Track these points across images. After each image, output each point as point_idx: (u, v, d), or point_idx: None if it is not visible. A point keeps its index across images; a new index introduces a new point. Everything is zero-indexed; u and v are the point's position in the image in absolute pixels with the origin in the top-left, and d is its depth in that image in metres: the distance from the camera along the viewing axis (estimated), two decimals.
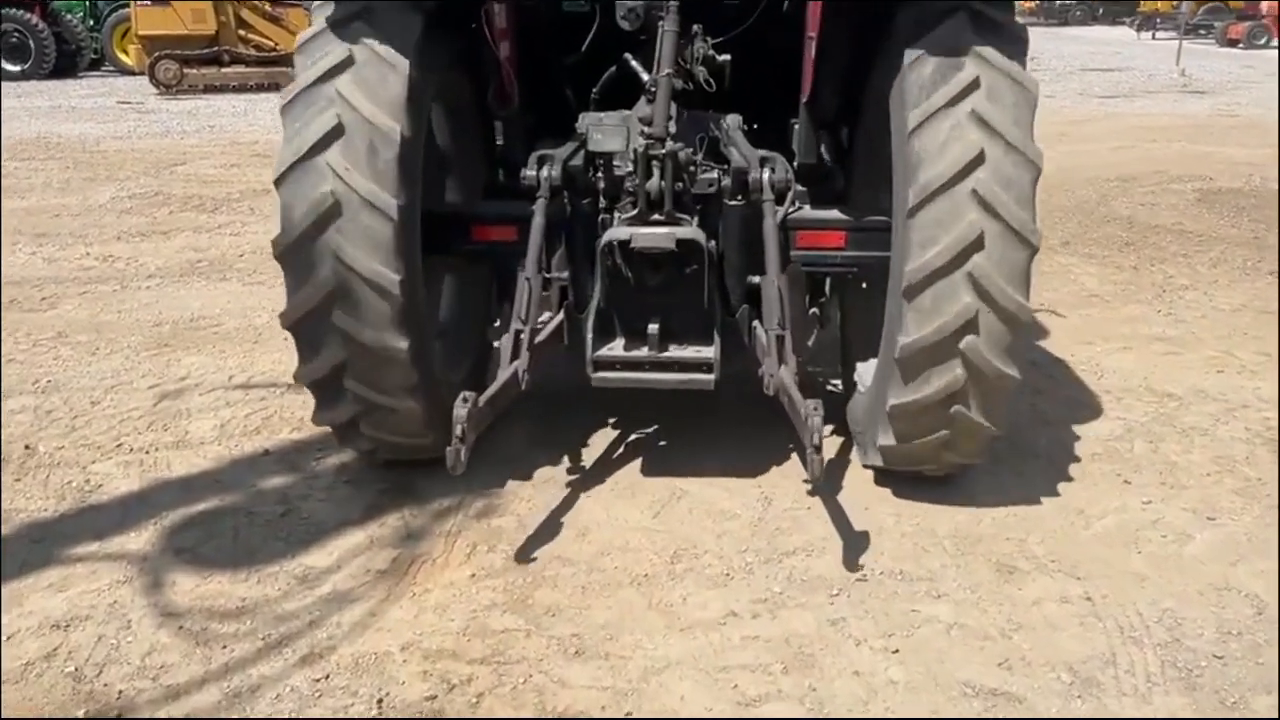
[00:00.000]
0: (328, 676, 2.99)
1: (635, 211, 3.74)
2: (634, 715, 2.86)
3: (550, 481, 4.14)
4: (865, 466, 4.09)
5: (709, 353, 3.77)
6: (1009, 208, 3.38)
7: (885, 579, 3.47)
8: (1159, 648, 3.12)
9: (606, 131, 4.00)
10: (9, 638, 3.15)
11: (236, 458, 4.37)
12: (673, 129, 3.73)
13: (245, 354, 5.63)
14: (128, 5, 21.52)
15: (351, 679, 2.98)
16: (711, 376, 3.75)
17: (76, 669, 3.02)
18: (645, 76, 4.05)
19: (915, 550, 3.65)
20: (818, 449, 3.09)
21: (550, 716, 2.85)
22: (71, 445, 4.48)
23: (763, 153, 3.98)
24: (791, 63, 4.00)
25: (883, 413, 3.70)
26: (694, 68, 4.11)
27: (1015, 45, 3.54)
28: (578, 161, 3.97)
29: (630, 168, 3.79)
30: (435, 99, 3.94)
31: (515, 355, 3.57)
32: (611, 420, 4.65)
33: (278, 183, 3.52)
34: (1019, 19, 3.70)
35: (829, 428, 4.17)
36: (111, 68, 24.10)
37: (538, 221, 3.81)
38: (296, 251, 3.53)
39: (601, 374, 3.80)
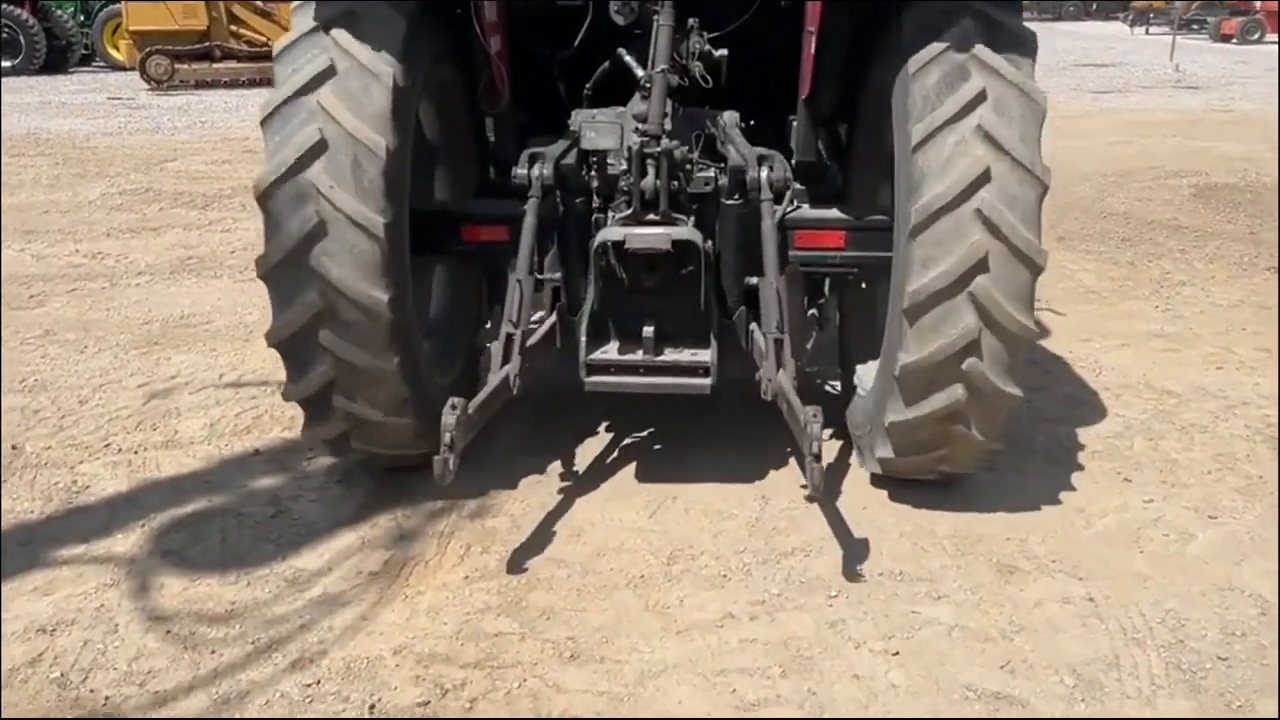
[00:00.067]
0: (318, 682, 2.94)
1: (630, 211, 3.68)
2: None
3: (544, 482, 4.09)
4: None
5: (705, 356, 3.71)
6: (1014, 228, 3.30)
7: (885, 580, 3.43)
8: (1162, 649, 3.09)
9: (600, 129, 3.87)
10: None
11: (226, 458, 4.32)
12: (668, 126, 3.67)
13: (236, 352, 5.57)
14: (119, 0, 21.43)
15: (343, 684, 2.93)
16: (708, 380, 3.69)
17: (62, 674, 2.97)
18: (640, 72, 3.99)
19: (915, 551, 3.61)
20: (817, 457, 3.03)
21: None
22: (59, 445, 4.43)
23: (761, 151, 3.89)
24: (790, 58, 3.93)
25: (881, 427, 3.66)
26: (690, 63, 4.04)
27: (1023, 50, 3.42)
28: (570, 160, 3.89)
29: (624, 166, 3.72)
30: (423, 96, 3.85)
31: (506, 359, 3.50)
32: (606, 420, 4.60)
33: (260, 200, 3.42)
34: None
35: (827, 431, 4.13)
36: (102, 63, 24.07)
37: (529, 221, 3.73)
38: (282, 271, 3.44)
39: (595, 378, 3.75)
